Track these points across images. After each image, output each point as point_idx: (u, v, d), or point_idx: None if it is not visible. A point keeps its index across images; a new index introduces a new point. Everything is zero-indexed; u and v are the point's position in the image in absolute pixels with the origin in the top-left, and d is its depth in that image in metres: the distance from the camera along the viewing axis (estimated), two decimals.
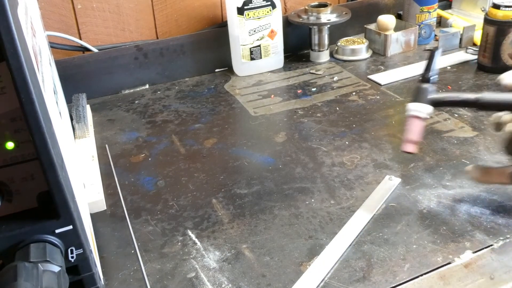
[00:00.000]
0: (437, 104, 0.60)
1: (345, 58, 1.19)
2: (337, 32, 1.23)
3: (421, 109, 0.59)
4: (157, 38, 1.17)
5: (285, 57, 1.18)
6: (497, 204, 0.67)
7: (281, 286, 0.57)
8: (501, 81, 0.60)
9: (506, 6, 0.98)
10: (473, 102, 0.58)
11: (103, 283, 0.55)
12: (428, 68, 0.62)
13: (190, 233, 0.66)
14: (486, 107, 0.58)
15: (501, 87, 0.60)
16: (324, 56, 1.19)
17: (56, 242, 0.44)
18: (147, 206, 0.72)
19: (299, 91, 1.05)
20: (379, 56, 1.19)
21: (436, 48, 0.64)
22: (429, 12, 1.21)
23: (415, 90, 0.61)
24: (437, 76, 0.61)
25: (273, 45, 1.13)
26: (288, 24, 1.18)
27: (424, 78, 0.61)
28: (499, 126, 0.60)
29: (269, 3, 1.08)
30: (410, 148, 0.59)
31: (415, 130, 0.59)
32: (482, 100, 0.58)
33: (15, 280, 0.38)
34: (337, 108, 0.96)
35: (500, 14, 0.99)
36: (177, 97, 1.07)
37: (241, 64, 1.13)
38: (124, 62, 1.09)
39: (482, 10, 1.22)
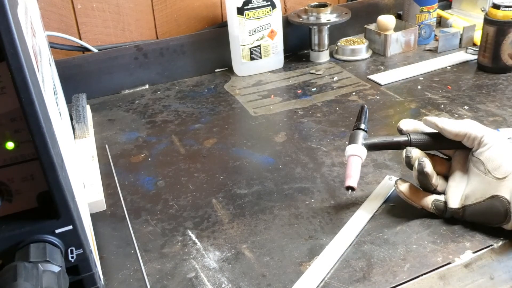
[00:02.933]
0: (372, 147, 0.67)
1: (345, 58, 1.19)
2: (337, 32, 1.23)
3: (359, 151, 0.65)
4: (157, 38, 1.17)
5: (285, 57, 1.18)
6: None
7: (281, 286, 0.57)
8: (400, 126, 0.66)
9: (506, 6, 0.98)
10: (406, 143, 0.65)
11: (103, 283, 0.55)
12: (359, 120, 0.69)
13: (190, 233, 0.66)
14: (418, 146, 0.64)
15: (403, 132, 0.66)
16: (324, 56, 1.19)
17: (56, 242, 0.44)
18: (147, 206, 0.72)
19: (299, 91, 1.05)
20: (379, 56, 1.19)
21: (364, 106, 0.72)
22: (429, 12, 1.21)
23: (351, 135, 0.68)
24: (367, 127, 0.69)
25: (273, 45, 1.13)
26: (288, 24, 1.18)
27: (358, 127, 0.68)
28: (409, 162, 0.64)
29: (269, 3, 1.08)
30: (353, 182, 0.63)
31: (355, 167, 0.64)
32: (413, 141, 0.64)
33: (15, 280, 0.38)
34: (337, 108, 0.96)
35: (500, 14, 0.99)
36: (177, 97, 1.07)
37: (241, 64, 1.13)
38: (124, 62, 1.09)
39: (482, 10, 1.22)
